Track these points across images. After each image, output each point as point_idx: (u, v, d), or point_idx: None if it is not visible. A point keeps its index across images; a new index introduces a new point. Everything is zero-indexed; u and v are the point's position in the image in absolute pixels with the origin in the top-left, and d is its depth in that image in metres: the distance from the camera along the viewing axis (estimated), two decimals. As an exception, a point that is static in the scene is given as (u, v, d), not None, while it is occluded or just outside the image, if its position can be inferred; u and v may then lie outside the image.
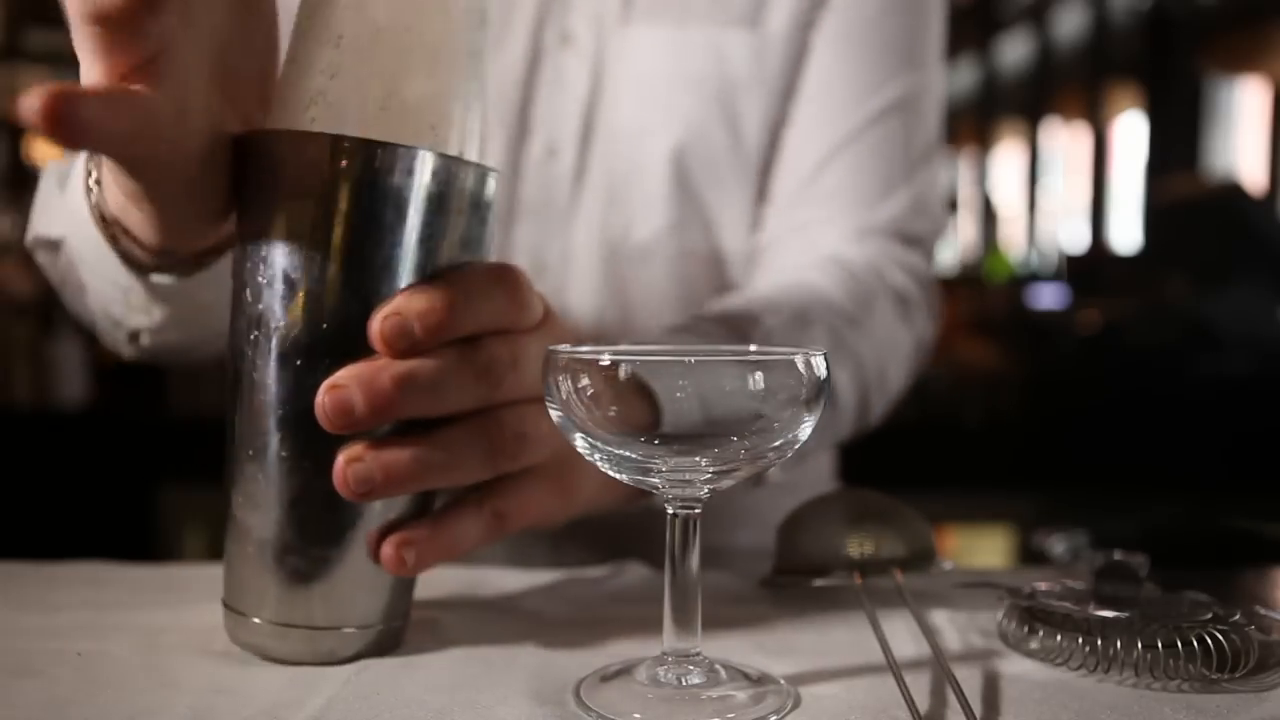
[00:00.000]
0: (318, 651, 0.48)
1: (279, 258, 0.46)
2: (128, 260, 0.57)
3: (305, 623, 0.48)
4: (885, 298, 0.79)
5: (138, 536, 2.36)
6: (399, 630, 0.51)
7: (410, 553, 0.48)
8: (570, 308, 0.82)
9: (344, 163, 0.45)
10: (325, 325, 0.46)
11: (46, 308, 2.72)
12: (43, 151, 4.03)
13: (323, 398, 0.45)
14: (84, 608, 0.56)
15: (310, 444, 0.46)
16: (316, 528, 0.47)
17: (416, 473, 0.47)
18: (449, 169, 0.47)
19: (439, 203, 0.47)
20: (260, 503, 0.47)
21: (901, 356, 0.81)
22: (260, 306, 0.46)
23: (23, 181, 3.93)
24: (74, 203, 0.59)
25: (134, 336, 0.67)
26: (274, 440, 0.46)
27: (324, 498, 0.47)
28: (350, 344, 0.46)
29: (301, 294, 0.46)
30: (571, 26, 0.81)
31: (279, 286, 0.46)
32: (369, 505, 0.48)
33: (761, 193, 0.85)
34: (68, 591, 0.59)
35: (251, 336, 0.47)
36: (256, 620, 0.48)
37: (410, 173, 0.46)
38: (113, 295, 0.63)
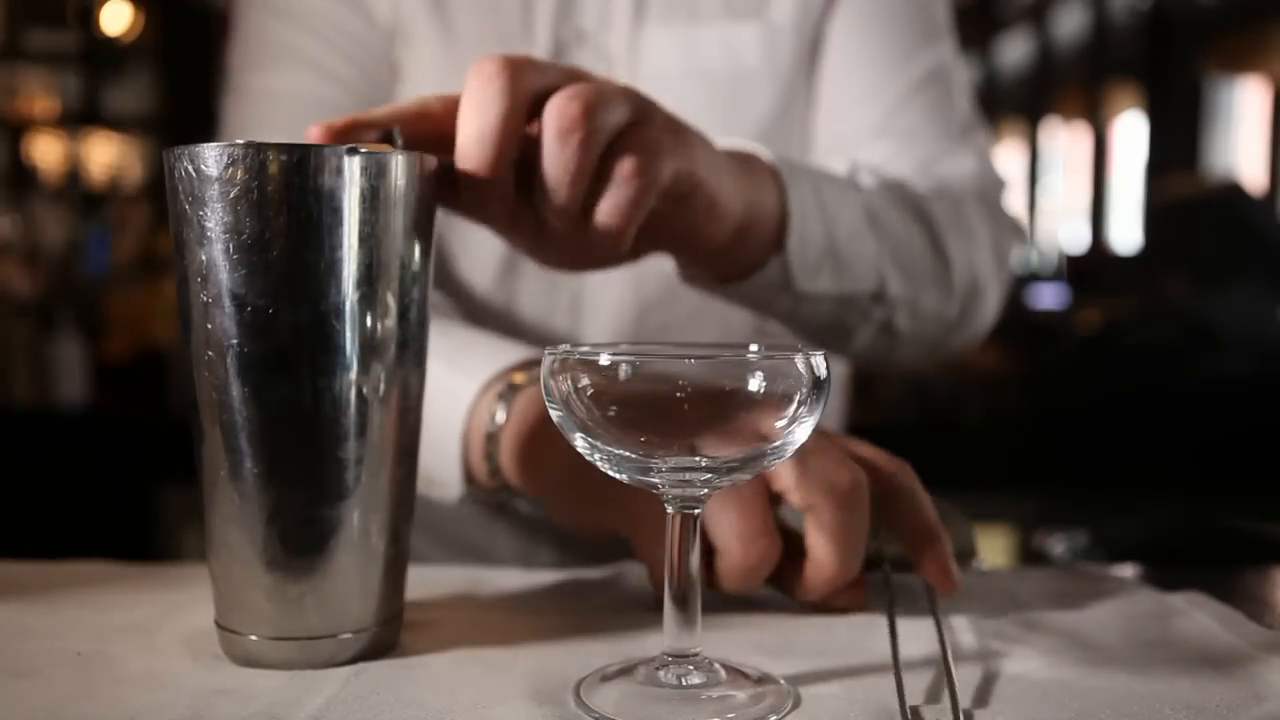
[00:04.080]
0: (315, 661, 0.48)
1: (221, 275, 0.45)
2: None
3: (299, 634, 0.48)
4: (972, 201, 0.80)
5: (138, 536, 2.36)
6: (394, 630, 0.51)
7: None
8: (587, 302, 0.83)
9: (274, 170, 0.44)
10: (279, 337, 0.45)
11: (46, 308, 2.72)
12: (43, 152, 4.03)
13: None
14: (84, 608, 0.56)
15: (282, 457, 0.46)
16: (298, 540, 0.47)
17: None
18: (379, 162, 0.46)
19: (374, 197, 0.46)
20: (239, 521, 0.47)
21: (1000, 251, 0.82)
22: (210, 326, 0.46)
23: (23, 181, 3.93)
24: None
25: None
26: (245, 458, 0.46)
27: (301, 509, 0.46)
28: (307, 351, 0.46)
29: (250, 309, 0.45)
30: (584, 25, 0.83)
31: (226, 304, 0.45)
32: (348, 512, 0.47)
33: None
34: (68, 591, 0.59)
35: (206, 357, 0.46)
36: (253, 638, 0.48)
37: (340, 171, 0.45)
38: None
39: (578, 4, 0.83)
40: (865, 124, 0.84)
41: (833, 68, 0.85)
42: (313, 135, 0.51)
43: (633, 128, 0.52)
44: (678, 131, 0.54)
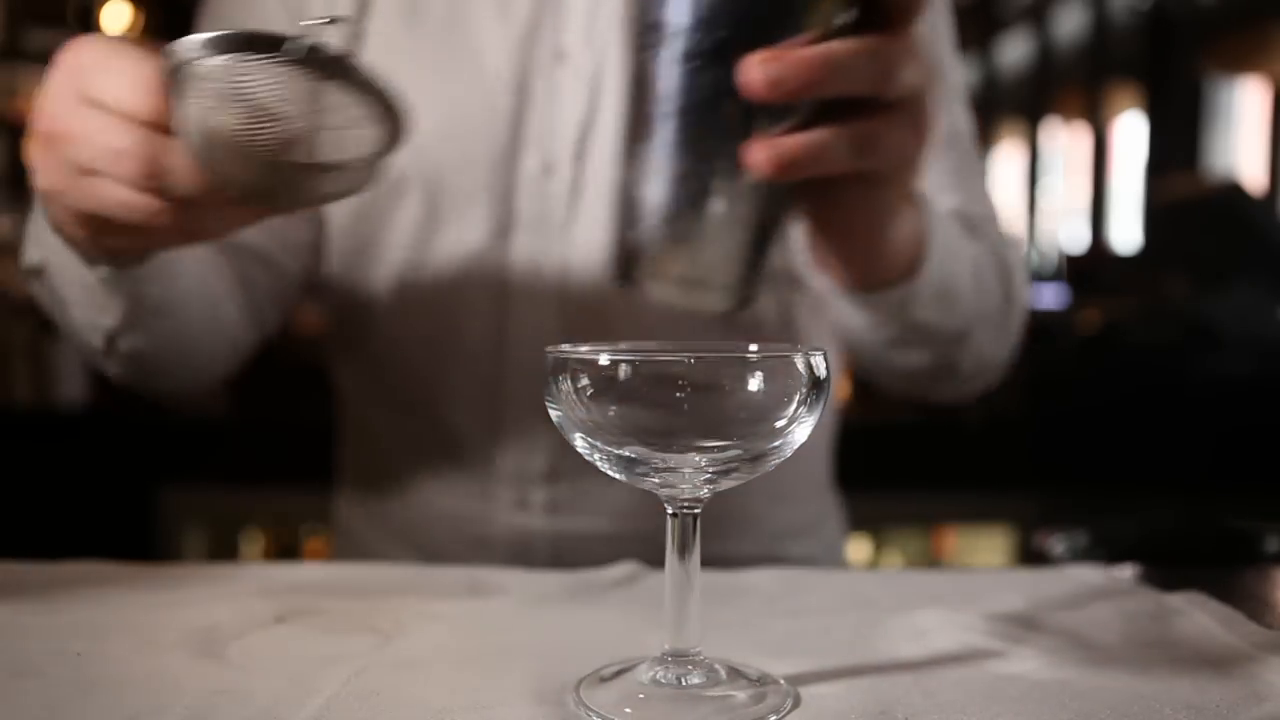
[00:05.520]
0: (690, 299, 0.53)
1: None
2: (79, 250, 0.61)
3: (681, 276, 0.52)
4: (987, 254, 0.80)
5: (138, 536, 2.36)
6: (749, 299, 0.55)
7: (776, 152, 0.51)
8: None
9: None
10: (720, 31, 0.50)
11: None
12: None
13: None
14: (84, 608, 0.56)
15: (696, 134, 0.52)
16: (694, 198, 0.52)
17: (819, 79, 0.50)
18: None
19: None
20: (650, 177, 0.53)
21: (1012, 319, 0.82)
22: (655, 14, 0.51)
23: (23, 181, 3.93)
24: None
25: (108, 343, 0.70)
26: (667, 126, 0.52)
27: (701, 179, 0.52)
28: (733, 42, 0.50)
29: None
30: (565, 44, 0.79)
31: None
32: (732, 190, 0.52)
33: None
34: (68, 591, 0.59)
35: (650, 41, 0.52)
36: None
37: None
38: (82, 298, 0.67)
39: (561, 19, 0.79)
40: None
41: None
42: None
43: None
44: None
